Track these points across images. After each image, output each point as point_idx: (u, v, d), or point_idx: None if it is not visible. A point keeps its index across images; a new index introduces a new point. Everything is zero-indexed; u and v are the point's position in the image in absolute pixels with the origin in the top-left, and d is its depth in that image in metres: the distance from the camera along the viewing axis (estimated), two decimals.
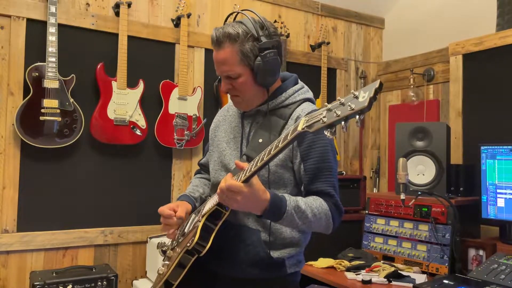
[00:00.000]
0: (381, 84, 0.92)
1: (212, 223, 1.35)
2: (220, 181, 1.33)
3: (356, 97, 0.94)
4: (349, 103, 0.94)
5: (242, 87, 1.42)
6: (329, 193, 1.38)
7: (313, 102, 1.51)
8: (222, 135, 1.58)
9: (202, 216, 1.37)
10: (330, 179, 1.39)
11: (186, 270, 1.37)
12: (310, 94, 1.52)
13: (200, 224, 1.34)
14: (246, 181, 1.19)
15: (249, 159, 1.37)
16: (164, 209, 1.47)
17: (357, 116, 0.94)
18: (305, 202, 1.32)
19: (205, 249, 1.32)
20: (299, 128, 1.05)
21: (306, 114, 1.07)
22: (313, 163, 1.38)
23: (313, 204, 1.33)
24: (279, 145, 1.12)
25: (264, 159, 1.15)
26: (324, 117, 0.98)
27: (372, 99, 0.91)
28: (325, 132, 0.99)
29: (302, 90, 1.50)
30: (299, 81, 1.54)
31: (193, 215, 1.51)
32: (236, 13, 1.49)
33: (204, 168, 1.77)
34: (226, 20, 1.46)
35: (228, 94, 1.49)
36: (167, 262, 1.44)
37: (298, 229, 1.40)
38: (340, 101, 0.97)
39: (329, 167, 1.40)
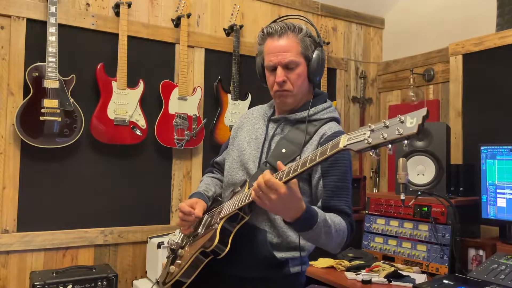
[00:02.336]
0: (428, 112, 0.94)
1: (230, 226, 1.36)
2: (238, 179, 1.41)
3: (402, 122, 0.95)
4: (397, 127, 0.95)
5: (297, 79, 1.46)
6: (346, 212, 1.40)
7: (338, 123, 1.54)
8: (244, 136, 1.60)
9: (221, 219, 1.37)
10: (347, 199, 1.42)
11: (198, 270, 1.38)
12: (336, 114, 1.55)
13: (219, 227, 1.34)
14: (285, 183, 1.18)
15: (270, 167, 1.40)
16: (184, 206, 1.47)
17: (406, 141, 0.96)
18: (329, 216, 1.33)
19: (224, 252, 1.34)
20: (341, 146, 1.06)
21: (346, 134, 1.08)
22: (333, 181, 1.40)
23: (335, 220, 1.34)
24: (316, 159, 1.12)
25: (298, 170, 1.15)
26: (368, 137, 0.99)
27: (421, 126, 0.93)
28: (370, 153, 1.01)
29: (330, 109, 1.54)
30: (328, 99, 1.58)
31: (206, 216, 1.51)
32: (284, 17, 1.60)
33: (218, 167, 1.77)
34: (271, 23, 1.52)
35: (274, 88, 1.49)
36: (179, 262, 1.44)
37: (316, 243, 1.38)
38: (384, 123, 0.98)
39: (347, 187, 1.43)
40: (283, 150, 1.43)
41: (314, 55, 1.47)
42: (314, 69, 1.47)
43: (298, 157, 1.40)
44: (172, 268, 1.43)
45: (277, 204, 1.18)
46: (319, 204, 1.41)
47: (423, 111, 0.94)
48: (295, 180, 1.18)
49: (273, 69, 1.47)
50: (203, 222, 1.50)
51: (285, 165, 1.23)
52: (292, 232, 1.41)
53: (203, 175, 1.80)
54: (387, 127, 0.98)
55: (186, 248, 1.47)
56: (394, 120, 0.97)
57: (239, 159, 1.55)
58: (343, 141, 1.06)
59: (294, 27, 1.45)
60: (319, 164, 1.15)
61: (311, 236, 1.30)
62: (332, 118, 1.52)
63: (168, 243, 1.58)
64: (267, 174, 1.18)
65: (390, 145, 0.98)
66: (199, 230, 1.48)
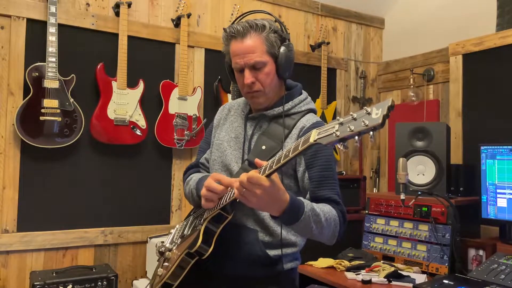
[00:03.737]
0: (393, 102, 0.95)
1: (214, 226, 1.36)
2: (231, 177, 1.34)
3: (369, 113, 0.96)
4: (363, 119, 0.95)
5: (266, 78, 1.43)
6: (335, 200, 1.39)
7: (315, 113, 1.53)
8: (223, 134, 1.58)
9: (204, 220, 1.37)
10: (335, 188, 1.41)
11: (185, 272, 1.38)
12: (313, 105, 1.54)
13: (202, 228, 1.35)
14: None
15: (251, 165, 1.38)
16: (224, 177, 1.35)
17: (371, 132, 0.96)
18: (317, 206, 1.32)
19: (208, 252, 1.33)
20: (311, 140, 1.06)
21: (317, 127, 1.07)
22: (318, 171, 1.39)
23: (324, 209, 1.33)
24: (289, 155, 1.12)
25: (273, 167, 1.15)
26: (337, 130, 1.00)
27: (386, 117, 0.93)
28: (338, 146, 1.01)
29: (307, 101, 1.53)
30: (303, 91, 1.57)
31: (192, 218, 1.52)
32: (249, 13, 1.56)
33: (202, 168, 1.74)
34: (234, 21, 1.50)
35: (245, 90, 1.47)
36: (166, 264, 1.44)
37: (309, 235, 1.35)
38: (352, 116, 0.99)
39: (333, 176, 1.42)
40: (263, 147, 1.43)
41: (281, 51, 1.44)
42: (282, 65, 1.44)
43: (280, 152, 1.40)
44: (160, 270, 1.44)
45: (264, 198, 1.16)
46: (307, 196, 1.40)
47: (388, 101, 0.94)
48: (275, 173, 1.18)
49: (241, 70, 1.45)
50: (188, 223, 1.50)
51: (267, 161, 1.22)
52: (283, 229, 1.41)
53: (188, 176, 1.68)
54: (354, 119, 0.98)
55: (174, 250, 1.48)
56: (361, 112, 0.98)
57: (220, 160, 1.54)
58: (314, 136, 1.06)
59: (256, 25, 1.42)
60: (293, 159, 1.15)
61: (302, 228, 1.28)
62: (310, 110, 1.51)
63: (156, 246, 1.57)
64: (249, 172, 1.17)
65: (357, 137, 0.98)
66: (185, 232, 1.49)
